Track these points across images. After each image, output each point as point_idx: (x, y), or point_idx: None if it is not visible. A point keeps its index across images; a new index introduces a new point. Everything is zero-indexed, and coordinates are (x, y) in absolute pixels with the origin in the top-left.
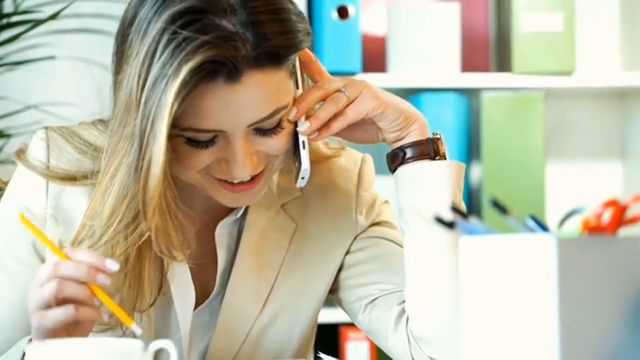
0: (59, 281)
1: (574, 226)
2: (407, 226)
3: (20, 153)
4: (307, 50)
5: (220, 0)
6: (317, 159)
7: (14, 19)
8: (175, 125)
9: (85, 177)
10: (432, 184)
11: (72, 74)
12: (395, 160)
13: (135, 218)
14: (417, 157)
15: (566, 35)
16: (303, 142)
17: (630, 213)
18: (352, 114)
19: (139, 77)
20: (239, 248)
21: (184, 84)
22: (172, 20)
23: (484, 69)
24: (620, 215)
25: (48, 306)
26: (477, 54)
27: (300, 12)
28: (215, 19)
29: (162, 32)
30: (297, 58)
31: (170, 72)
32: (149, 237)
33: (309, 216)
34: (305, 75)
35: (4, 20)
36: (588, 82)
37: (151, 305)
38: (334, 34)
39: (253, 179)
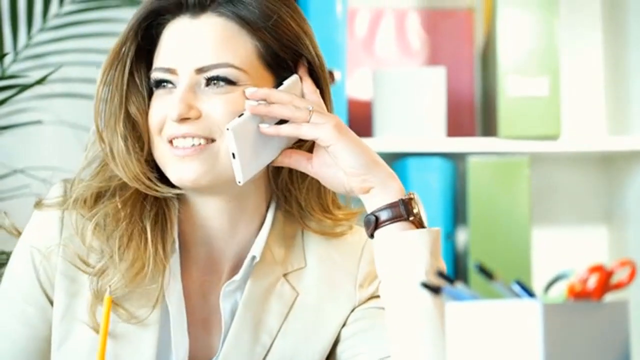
0: None
1: (559, 291)
2: (385, 294)
3: (39, 202)
4: (311, 83)
5: None
6: (327, 234)
7: (1, 83)
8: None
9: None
10: (407, 255)
11: (58, 139)
12: (369, 225)
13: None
14: (391, 219)
15: (551, 99)
16: (242, 113)
17: (615, 278)
18: (305, 130)
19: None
20: (238, 311)
21: (148, 10)
22: None
23: (470, 133)
24: (605, 281)
25: None
26: (462, 118)
27: (312, 36)
28: None
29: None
30: (295, 76)
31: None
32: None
33: (310, 287)
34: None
35: None
36: (574, 147)
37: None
38: None
39: (193, 147)
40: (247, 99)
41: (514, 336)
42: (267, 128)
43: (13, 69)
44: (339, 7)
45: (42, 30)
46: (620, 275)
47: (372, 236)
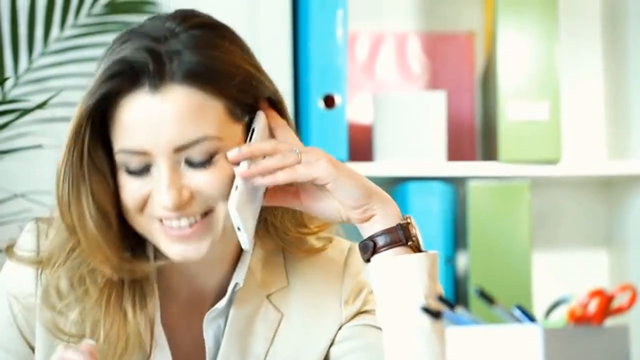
0: None
1: (560, 316)
2: (383, 319)
3: (10, 249)
4: (275, 114)
5: (166, 28)
6: (307, 251)
7: (1, 107)
8: (115, 152)
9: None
10: (406, 279)
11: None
12: (366, 250)
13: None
14: (389, 245)
15: (552, 123)
16: (236, 186)
17: (616, 303)
18: (302, 171)
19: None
20: (224, 338)
21: (97, 83)
22: (114, 42)
23: (470, 157)
24: (606, 306)
25: None
26: (463, 142)
27: (264, 71)
28: (152, 38)
29: (104, 57)
30: (260, 113)
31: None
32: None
33: (294, 307)
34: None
35: None
36: (574, 171)
37: None
38: (320, 122)
39: (192, 226)
40: (231, 162)
41: None
42: (263, 180)
43: (14, 93)
44: (339, 31)
45: (43, 54)
46: (620, 300)
47: (368, 261)
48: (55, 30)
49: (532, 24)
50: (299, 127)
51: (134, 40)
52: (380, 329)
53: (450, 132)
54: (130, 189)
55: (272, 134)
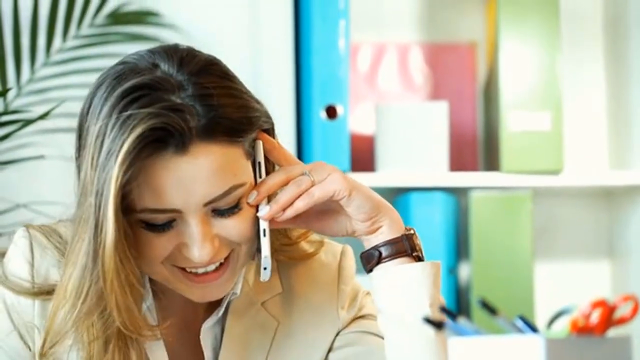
0: None
1: (562, 326)
2: (386, 329)
3: (2, 272)
4: (269, 137)
5: (170, 77)
6: (300, 257)
7: (4, 118)
8: (133, 210)
9: None
10: (409, 288)
11: (61, 174)
12: (370, 260)
13: (101, 299)
14: (393, 255)
15: (554, 134)
16: (264, 229)
17: (618, 313)
18: (318, 193)
19: (92, 157)
20: (221, 348)
21: (127, 154)
22: (121, 97)
23: (472, 168)
24: (608, 316)
25: None
26: (465, 153)
27: (255, 97)
28: (162, 94)
29: (112, 110)
30: (259, 143)
31: (116, 147)
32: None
33: (290, 313)
34: (273, 163)
35: None
36: (576, 181)
37: None
38: (323, 133)
39: (217, 268)
40: (249, 204)
41: None
42: (285, 215)
43: (16, 103)
44: (341, 42)
45: (45, 65)
46: (623, 310)
47: (370, 271)
48: (57, 41)
49: (534, 35)
50: (301, 138)
51: (146, 98)
52: (379, 335)
53: (453, 142)
54: (157, 246)
55: (269, 157)
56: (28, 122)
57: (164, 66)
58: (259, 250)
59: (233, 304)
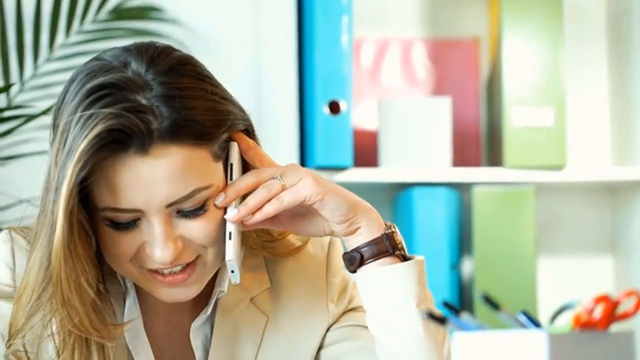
0: None
1: (565, 322)
2: (374, 330)
3: None
4: (245, 137)
5: (136, 77)
6: (286, 252)
7: (7, 113)
8: (97, 207)
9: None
10: (396, 289)
11: None
12: (353, 262)
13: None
14: (376, 256)
15: (557, 129)
16: (230, 232)
17: (621, 309)
18: (288, 198)
19: (56, 154)
20: (211, 346)
21: (84, 153)
22: (87, 95)
23: (475, 163)
24: (611, 311)
25: None
26: (468, 148)
27: (232, 98)
28: (127, 93)
29: (77, 107)
30: (234, 145)
31: (75, 146)
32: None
33: (279, 308)
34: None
35: None
36: (579, 177)
37: None
38: (325, 129)
39: (184, 270)
40: (217, 206)
41: None
42: (253, 218)
43: (19, 99)
44: (344, 38)
45: (48, 60)
46: (626, 306)
47: (354, 272)
48: (60, 37)
49: (537, 30)
50: (304, 134)
51: (109, 98)
52: (366, 327)
53: (455, 137)
54: (121, 244)
55: (244, 157)
56: (31, 118)
57: (134, 65)
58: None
59: (221, 301)
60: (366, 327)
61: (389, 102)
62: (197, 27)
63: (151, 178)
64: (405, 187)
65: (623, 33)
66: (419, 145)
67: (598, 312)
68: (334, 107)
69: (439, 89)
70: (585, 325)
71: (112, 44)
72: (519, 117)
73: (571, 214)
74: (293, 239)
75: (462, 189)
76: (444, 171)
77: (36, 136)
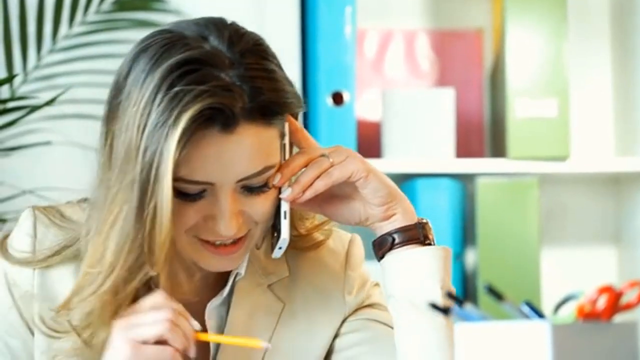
0: (175, 327)
1: (569, 312)
2: (397, 313)
3: (3, 245)
4: (293, 120)
5: (218, 53)
6: (310, 245)
7: (11, 104)
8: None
9: (65, 247)
10: (422, 271)
11: (67, 160)
12: (383, 246)
13: (137, 263)
14: (407, 242)
15: (560, 120)
16: (285, 212)
17: (625, 299)
18: (337, 174)
19: (138, 126)
20: (226, 328)
21: (185, 131)
22: (170, 70)
23: (479, 154)
24: (615, 302)
25: (145, 342)
26: (471, 139)
27: (290, 80)
28: (213, 70)
29: (161, 82)
30: (286, 124)
31: (170, 121)
32: (149, 286)
33: (296, 297)
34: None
35: (0, 106)
36: (583, 168)
37: None
38: (329, 119)
39: (235, 242)
40: (274, 185)
41: (523, 357)
42: (305, 195)
43: (23, 90)
44: (348, 28)
45: (51, 51)
46: (629, 296)
47: (382, 257)
48: (63, 28)
49: (540, 21)
50: (307, 124)
51: (196, 74)
52: (386, 324)
53: (459, 129)
54: (185, 214)
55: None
56: (34, 109)
57: (213, 41)
58: (273, 231)
59: (239, 285)
60: (380, 322)
61: (393, 93)
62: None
63: (231, 155)
64: (408, 178)
65: (627, 24)
66: (422, 136)
67: (602, 302)
68: (338, 98)
69: (442, 80)
70: (589, 315)
71: (115, 35)
72: (523, 108)
73: (575, 204)
74: (316, 234)
75: (465, 180)
76: (448, 162)
77: (40, 127)
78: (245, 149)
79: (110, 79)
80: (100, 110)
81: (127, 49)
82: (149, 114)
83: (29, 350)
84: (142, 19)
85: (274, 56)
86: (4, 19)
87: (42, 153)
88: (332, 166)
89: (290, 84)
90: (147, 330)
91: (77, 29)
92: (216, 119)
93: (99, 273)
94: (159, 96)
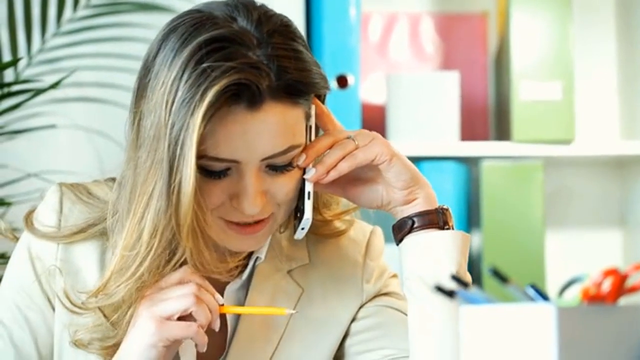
0: (199, 301)
1: (574, 295)
2: (412, 295)
3: (29, 219)
4: (318, 102)
5: (246, 32)
6: (330, 234)
7: (15, 88)
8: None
9: (91, 225)
10: (439, 253)
11: (72, 143)
12: (403, 229)
13: (172, 242)
14: (426, 226)
15: (565, 103)
16: (309, 192)
17: (630, 282)
18: (361, 156)
19: (166, 103)
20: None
21: (210, 105)
22: (199, 48)
23: (483, 137)
24: (620, 284)
25: (170, 317)
26: (476, 122)
27: (317, 62)
28: (241, 48)
29: (189, 59)
30: (313, 107)
31: (197, 96)
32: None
33: (315, 283)
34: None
35: (5, 89)
36: (587, 151)
37: None
38: (334, 103)
39: (258, 222)
40: (298, 166)
41: (528, 340)
42: (329, 177)
43: (27, 73)
44: (352, 11)
45: (56, 34)
46: (634, 279)
47: (400, 241)
48: (68, 11)
49: (545, 4)
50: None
51: (224, 51)
52: (399, 310)
53: (464, 112)
54: (211, 192)
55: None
56: (39, 92)
57: (242, 21)
58: (296, 212)
59: (258, 269)
60: (396, 309)
61: (397, 76)
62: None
63: (256, 133)
64: (413, 161)
65: (632, 6)
66: (427, 119)
67: (606, 285)
68: (342, 81)
69: (447, 63)
70: (594, 298)
71: (119, 18)
72: (527, 91)
73: (579, 187)
74: (338, 223)
75: (470, 163)
76: (452, 145)
77: (44, 110)
78: (271, 127)
79: (115, 62)
80: (105, 93)
81: (131, 31)
82: (176, 91)
83: (48, 325)
84: (146, 2)
85: (301, 37)
86: (8, 2)
87: (46, 136)
88: (356, 148)
89: (317, 65)
90: (172, 305)
91: (81, 12)
92: (242, 95)
93: (136, 255)
94: (187, 72)
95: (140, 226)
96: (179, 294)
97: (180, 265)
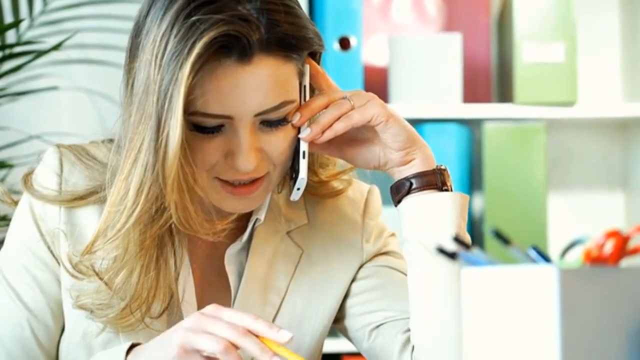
0: (228, 351)
1: (576, 257)
2: (411, 257)
3: (27, 181)
4: (313, 62)
5: None
6: (328, 194)
7: (17, 49)
8: (185, 111)
9: (92, 193)
10: (438, 215)
11: (74, 105)
12: (400, 190)
13: (158, 198)
14: (424, 187)
15: (568, 66)
16: (304, 151)
17: (632, 244)
18: (357, 116)
19: (156, 57)
20: (244, 273)
21: (199, 57)
22: (188, 2)
23: (486, 99)
24: (622, 246)
25: (198, 351)
26: (478, 85)
27: (310, 20)
28: (230, 2)
29: (178, 13)
30: (307, 67)
31: (186, 49)
32: (170, 230)
33: (314, 244)
34: (313, 88)
35: (7, 51)
36: (590, 113)
37: (162, 313)
38: (336, 64)
39: (253, 182)
40: (293, 125)
41: (530, 301)
42: (324, 137)
43: (29, 35)
44: None
45: None
46: (636, 241)
47: (398, 202)
48: None
49: None
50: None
51: (214, 5)
52: (399, 271)
53: (466, 74)
54: (205, 152)
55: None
56: (41, 53)
57: None
58: (292, 173)
59: (258, 231)
60: (396, 269)
61: (400, 38)
62: None
63: (247, 86)
64: (415, 123)
65: None
66: (429, 81)
67: (609, 247)
68: (344, 43)
69: (449, 25)
70: (596, 260)
71: None
72: (530, 53)
73: (582, 150)
74: (335, 183)
75: (472, 125)
76: (455, 107)
77: (46, 72)
78: (262, 81)
79: (117, 24)
80: (107, 55)
81: None
82: (166, 45)
83: (58, 283)
84: None
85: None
86: None
87: (48, 98)
88: (352, 109)
89: (310, 22)
90: (202, 342)
91: None
92: (232, 48)
93: (123, 211)
94: (176, 27)
95: (128, 182)
96: (216, 334)
97: (169, 227)
